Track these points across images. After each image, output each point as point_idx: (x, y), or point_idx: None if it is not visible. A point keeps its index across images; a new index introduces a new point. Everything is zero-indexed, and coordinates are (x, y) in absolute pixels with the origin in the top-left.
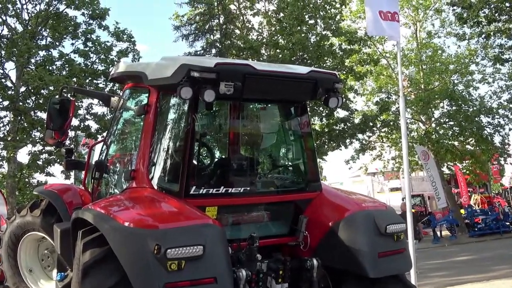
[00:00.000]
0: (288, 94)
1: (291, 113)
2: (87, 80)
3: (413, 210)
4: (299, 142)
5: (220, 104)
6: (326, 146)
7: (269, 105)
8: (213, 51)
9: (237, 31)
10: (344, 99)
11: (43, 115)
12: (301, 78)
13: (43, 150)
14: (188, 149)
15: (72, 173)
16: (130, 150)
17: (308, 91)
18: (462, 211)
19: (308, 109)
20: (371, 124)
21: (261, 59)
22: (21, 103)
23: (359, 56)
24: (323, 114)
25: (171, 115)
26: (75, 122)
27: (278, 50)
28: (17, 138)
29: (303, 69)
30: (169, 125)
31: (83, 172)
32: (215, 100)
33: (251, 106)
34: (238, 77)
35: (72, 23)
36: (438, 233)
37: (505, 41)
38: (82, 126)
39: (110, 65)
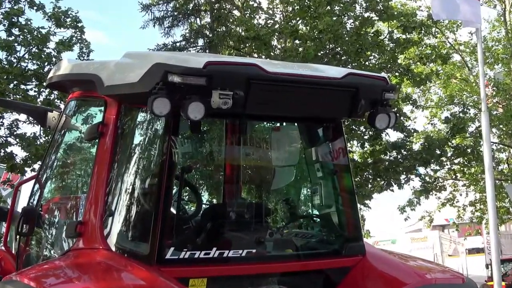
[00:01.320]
0: (314, 109)
1: (318, 137)
2: (11, 85)
3: (503, 284)
4: (331, 180)
5: (212, 124)
6: (370, 186)
7: (285, 124)
8: (200, 42)
9: (236, 13)
10: (397, 116)
11: None
12: (333, 85)
13: None
14: (164, 191)
15: None
16: (76, 192)
17: (344, 105)
18: None
19: (344, 130)
20: (438, 152)
21: (272, 54)
22: None
23: (419, 50)
24: (366, 138)
25: (139, 140)
26: None
27: (297, 42)
28: None
29: (335, 71)
30: (136, 155)
31: (4, 225)
32: (204, 118)
33: (259, 126)
34: (239, 83)
35: None
36: None
37: None
38: (1, 153)
39: (47, 64)
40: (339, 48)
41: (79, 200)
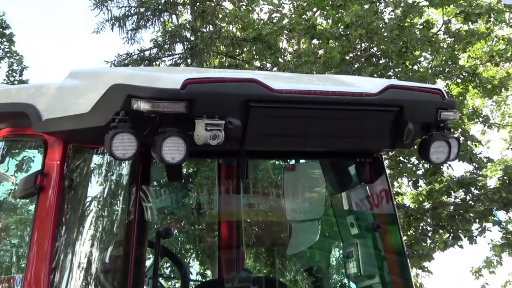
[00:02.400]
0: (342, 140)
1: (350, 178)
2: None
3: None
4: (371, 237)
5: (199, 166)
6: (429, 241)
7: (303, 162)
8: (179, 48)
9: (228, 5)
10: (460, 142)
11: None
12: (367, 104)
13: None
14: (132, 264)
15: None
16: (8, 272)
17: (384, 131)
18: None
19: (387, 164)
20: None
21: (281, 61)
22: None
23: (488, 46)
24: (420, 173)
25: (95, 194)
26: None
27: (315, 42)
28: None
29: (370, 84)
30: (91, 216)
31: None
32: (186, 160)
33: (265, 166)
34: (234, 107)
35: None
36: None
37: None
38: None
39: None
40: (375, 49)
41: (13, 284)
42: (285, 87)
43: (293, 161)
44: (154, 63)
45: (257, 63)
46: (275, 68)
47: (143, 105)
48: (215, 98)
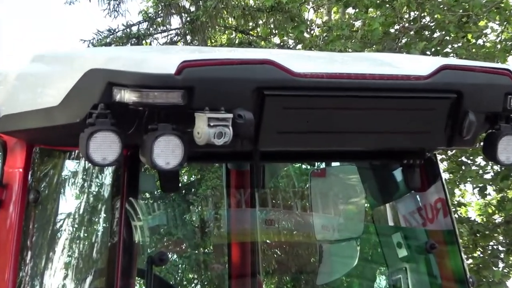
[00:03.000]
0: (385, 136)
1: (396, 186)
2: None
3: None
4: (423, 261)
5: (202, 173)
6: (501, 264)
7: (334, 166)
8: (175, 23)
9: None
10: None
11: None
12: (416, 89)
13: None
14: None
15: None
16: None
17: (439, 124)
18: None
19: (444, 167)
20: None
21: (306, 37)
22: None
23: None
24: (488, 178)
25: (70, 209)
26: None
27: (350, 11)
28: None
29: (419, 64)
30: (64, 236)
31: None
32: (184, 165)
33: (286, 171)
34: (244, 96)
35: None
36: None
37: None
38: None
39: None
40: (427, 19)
41: None
42: (310, 69)
43: (322, 165)
44: (144, 42)
45: (276, 40)
46: (299, 46)
47: (128, 95)
48: (221, 85)
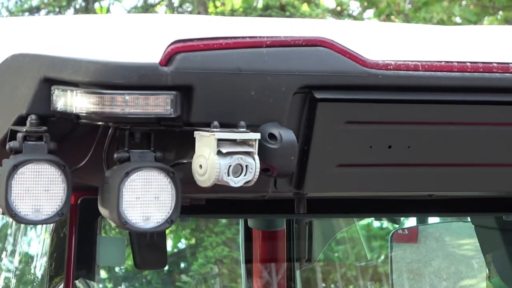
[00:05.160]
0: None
1: None
2: None
3: None
4: None
5: (200, 231)
6: None
7: (433, 224)
8: None
9: None
10: None
11: None
12: None
13: None
14: None
15: None
16: None
17: None
18: None
19: None
20: None
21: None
22: None
23: None
24: None
25: None
26: None
27: None
28: None
29: None
30: None
31: None
32: (172, 224)
33: (349, 230)
34: (279, 103)
35: None
36: None
37: None
38: None
39: None
40: None
41: None
42: (394, 56)
43: (411, 222)
44: (97, 7)
45: (328, 1)
46: (368, 12)
47: (79, 101)
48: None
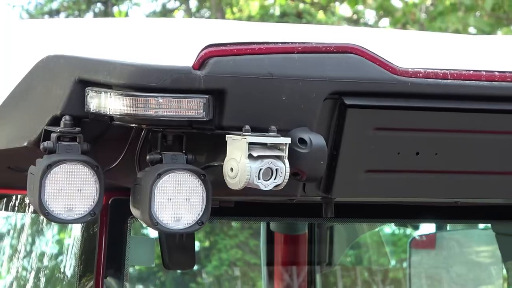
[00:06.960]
0: None
1: None
2: None
3: None
4: None
5: (211, 233)
6: None
7: (452, 231)
8: None
9: None
10: None
11: None
12: None
13: None
14: None
15: None
16: None
17: None
18: None
19: None
20: None
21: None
22: None
23: None
24: None
25: None
26: None
27: None
28: None
29: None
30: None
31: None
32: (203, 226)
33: (372, 235)
34: (310, 108)
35: None
36: None
37: None
38: None
39: None
40: None
41: None
42: (422, 64)
43: (429, 228)
44: (116, 10)
45: (344, 9)
46: (384, 21)
47: (112, 103)
48: (270, 88)
